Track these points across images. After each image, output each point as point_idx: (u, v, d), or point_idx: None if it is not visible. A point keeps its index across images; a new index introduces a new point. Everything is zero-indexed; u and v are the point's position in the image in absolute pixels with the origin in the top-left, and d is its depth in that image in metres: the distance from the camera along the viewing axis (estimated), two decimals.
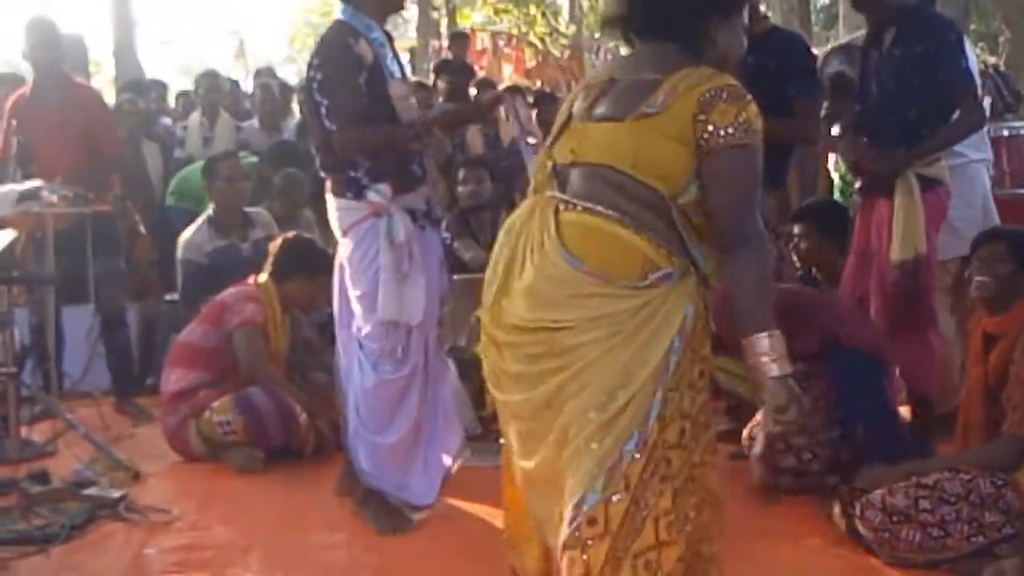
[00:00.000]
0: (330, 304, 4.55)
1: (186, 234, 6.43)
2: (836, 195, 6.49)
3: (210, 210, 6.46)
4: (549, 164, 2.82)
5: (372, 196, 4.11)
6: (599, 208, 2.64)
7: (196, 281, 6.17)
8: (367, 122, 4.10)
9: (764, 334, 2.63)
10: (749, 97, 2.69)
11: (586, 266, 2.61)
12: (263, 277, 5.42)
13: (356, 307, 4.21)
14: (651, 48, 2.80)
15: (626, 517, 2.61)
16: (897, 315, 4.62)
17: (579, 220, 2.66)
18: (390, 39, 4.34)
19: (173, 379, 5.34)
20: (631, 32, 2.86)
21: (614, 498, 2.60)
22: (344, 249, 4.23)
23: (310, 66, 4.23)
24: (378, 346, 4.17)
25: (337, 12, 4.36)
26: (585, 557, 2.61)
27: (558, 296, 2.64)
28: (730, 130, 2.60)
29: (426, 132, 4.23)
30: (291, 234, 5.63)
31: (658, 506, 2.63)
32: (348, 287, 4.23)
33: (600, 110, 2.74)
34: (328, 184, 4.26)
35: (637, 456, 2.62)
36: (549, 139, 2.84)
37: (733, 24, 2.82)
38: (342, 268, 4.28)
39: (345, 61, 4.11)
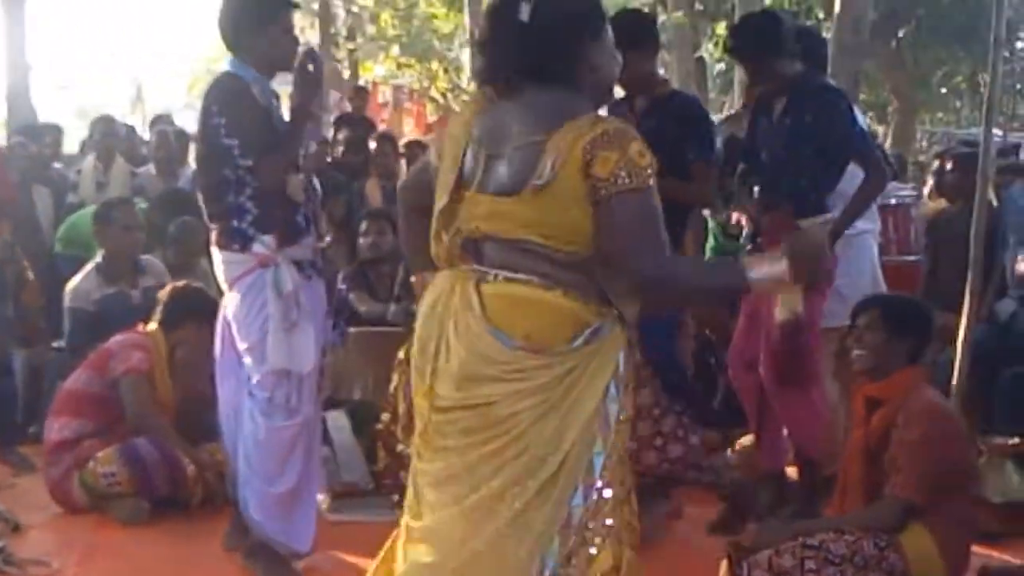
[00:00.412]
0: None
1: (74, 281, 6.28)
2: (708, 253, 6.55)
3: (99, 257, 6.30)
4: (455, 236, 2.73)
5: (257, 248, 4.09)
6: (520, 276, 2.61)
7: (83, 329, 6.04)
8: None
9: (748, 272, 2.64)
10: (630, 133, 2.65)
11: (515, 341, 2.59)
12: (152, 325, 5.33)
13: (246, 359, 4.16)
14: (528, 97, 2.71)
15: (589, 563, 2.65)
16: (782, 374, 4.66)
17: (502, 291, 2.63)
18: (276, 97, 4.35)
19: (56, 427, 5.20)
20: (507, 81, 2.75)
21: (572, 561, 2.64)
22: (231, 302, 4.19)
23: (209, 113, 4.18)
24: (269, 395, 4.13)
25: (225, 64, 4.37)
26: None
27: (489, 373, 2.61)
28: (613, 177, 2.55)
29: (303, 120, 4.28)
30: (180, 283, 5.56)
31: (599, 557, 2.66)
32: (236, 339, 4.18)
33: (494, 180, 2.68)
34: (213, 236, 4.22)
35: (584, 506, 2.64)
36: (443, 200, 2.74)
37: (604, 44, 2.78)
38: (226, 321, 4.23)
39: (249, 102, 4.13)
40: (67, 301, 6.27)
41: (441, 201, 2.75)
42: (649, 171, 2.60)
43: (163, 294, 5.44)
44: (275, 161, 4.11)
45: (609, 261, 2.61)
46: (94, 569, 4.48)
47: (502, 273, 2.62)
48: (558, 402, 2.62)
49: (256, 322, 4.09)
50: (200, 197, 4.31)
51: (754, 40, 4.84)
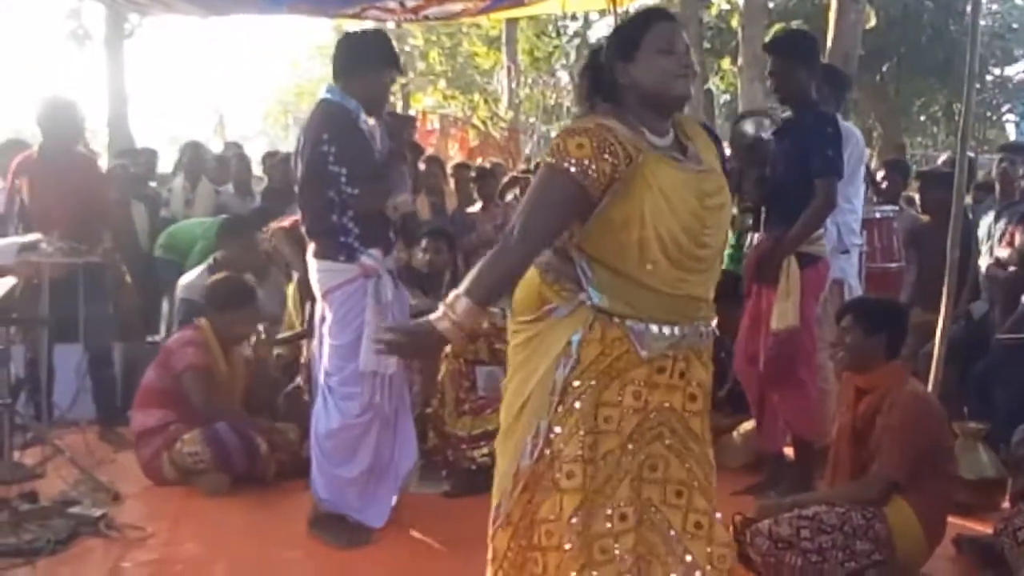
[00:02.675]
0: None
1: (189, 276, 6.39)
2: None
3: (212, 259, 6.39)
4: None
5: (365, 259, 4.05)
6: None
7: (193, 317, 5.98)
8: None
9: (463, 295, 2.57)
10: (577, 128, 2.62)
11: (507, 309, 2.72)
12: (201, 320, 5.33)
13: (333, 355, 4.12)
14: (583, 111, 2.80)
15: (524, 513, 2.63)
16: (778, 374, 4.64)
17: None
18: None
19: (141, 418, 5.25)
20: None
21: (513, 494, 2.65)
22: (329, 305, 4.13)
23: (318, 140, 4.05)
24: (349, 391, 4.10)
25: (323, 92, 4.29)
26: (493, 544, 2.69)
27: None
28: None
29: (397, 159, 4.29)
30: (219, 275, 5.57)
31: (540, 512, 2.62)
32: (326, 337, 4.15)
33: None
34: (313, 249, 4.16)
35: (532, 463, 2.62)
36: None
37: (642, 59, 2.65)
38: (323, 320, 4.19)
39: (357, 134, 4.09)
40: (181, 293, 6.40)
41: None
42: (563, 159, 2.54)
43: (207, 288, 5.45)
44: (377, 192, 4.09)
45: None
46: (182, 534, 4.49)
47: None
48: (522, 364, 2.68)
49: (352, 324, 4.05)
50: (302, 215, 4.25)
51: (792, 46, 4.77)
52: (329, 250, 4.08)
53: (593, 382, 2.61)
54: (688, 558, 2.62)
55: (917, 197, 7.07)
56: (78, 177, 5.96)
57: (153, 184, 8.72)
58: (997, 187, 6.54)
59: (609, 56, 2.70)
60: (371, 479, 4.26)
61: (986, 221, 6.14)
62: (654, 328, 2.62)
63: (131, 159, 8.82)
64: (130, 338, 6.77)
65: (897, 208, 6.91)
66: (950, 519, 3.93)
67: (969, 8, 5.44)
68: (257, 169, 9.96)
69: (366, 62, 4.15)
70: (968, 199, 6.89)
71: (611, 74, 2.68)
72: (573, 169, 2.52)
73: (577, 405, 2.60)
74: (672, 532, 2.64)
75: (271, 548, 4.26)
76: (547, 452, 2.62)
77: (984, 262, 5.97)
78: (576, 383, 2.60)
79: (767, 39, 5.25)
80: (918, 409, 3.81)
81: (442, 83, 26.35)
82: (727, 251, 6.10)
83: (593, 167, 2.52)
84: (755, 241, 4.89)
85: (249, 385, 5.55)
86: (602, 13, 8.87)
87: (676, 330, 2.64)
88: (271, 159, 8.08)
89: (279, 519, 4.61)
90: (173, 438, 5.05)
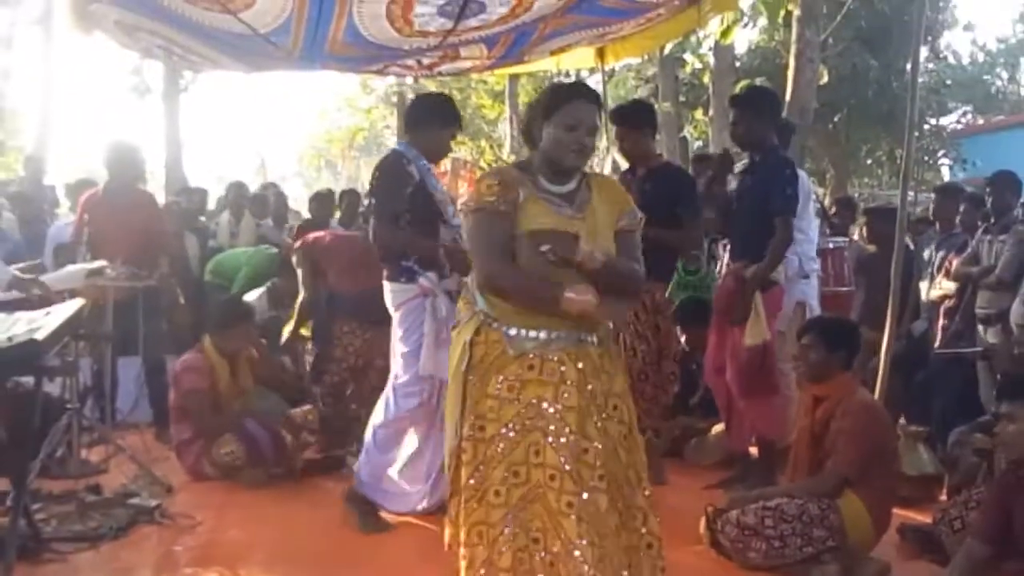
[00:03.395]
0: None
1: (248, 297, 6.35)
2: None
3: (270, 284, 6.56)
4: None
5: (423, 281, 4.09)
6: None
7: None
8: (397, 223, 4.10)
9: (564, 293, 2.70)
10: (484, 175, 2.89)
11: None
12: (206, 339, 5.29)
13: (400, 360, 4.17)
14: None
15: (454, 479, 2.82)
16: (750, 383, 4.61)
17: None
18: (429, 169, 4.31)
19: (175, 432, 5.24)
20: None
21: (450, 467, 2.84)
22: (396, 319, 4.19)
23: (381, 184, 4.20)
24: (410, 390, 4.15)
25: (392, 143, 4.40)
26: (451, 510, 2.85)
27: None
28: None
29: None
30: (222, 298, 5.63)
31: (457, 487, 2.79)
32: (398, 345, 4.19)
33: None
34: (385, 272, 4.21)
35: (456, 444, 2.79)
36: None
37: (550, 127, 2.77)
38: (396, 332, 4.24)
39: (396, 176, 4.13)
40: None
41: None
42: (477, 200, 2.76)
43: (212, 309, 5.45)
44: (384, 236, 4.13)
45: None
46: (226, 521, 4.48)
47: None
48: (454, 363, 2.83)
49: (413, 336, 4.10)
50: (376, 244, 4.26)
51: (754, 101, 4.75)
52: (394, 273, 4.15)
53: (480, 376, 2.74)
54: (562, 535, 2.62)
55: (864, 230, 7.06)
56: (139, 212, 5.99)
57: (203, 218, 8.71)
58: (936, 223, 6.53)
59: (534, 114, 2.85)
60: (407, 469, 4.30)
61: (928, 252, 6.15)
62: (523, 332, 2.73)
63: (185, 197, 8.80)
64: (182, 352, 6.68)
65: (847, 239, 6.92)
66: (895, 510, 3.93)
67: (909, 67, 5.45)
68: (298, 205, 9.95)
69: (432, 120, 4.26)
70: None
71: (532, 128, 2.85)
72: (494, 202, 2.72)
73: (472, 395, 2.75)
74: (554, 506, 2.65)
75: (304, 534, 4.25)
76: (462, 432, 2.76)
77: (925, 286, 5.97)
78: (471, 377, 2.76)
79: (733, 94, 5.21)
80: (867, 415, 3.80)
81: None
82: (675, 278, 5.95)
83: (504, 195, 2.72)
84: (723, 271, 4.89)
85: (260, 377, 5.52)
86: (591, 70, 8.89)
87: (543, 334, 2.73)
88: (318, 198, 8.13)
89: (311, 508, 4.61)
90: (207, 446, 5.03)
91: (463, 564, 2.74)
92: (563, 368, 2.72)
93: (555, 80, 5.27)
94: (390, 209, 4.09)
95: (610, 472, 2.71)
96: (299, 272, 5.96)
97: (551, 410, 2.68)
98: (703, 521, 3.89)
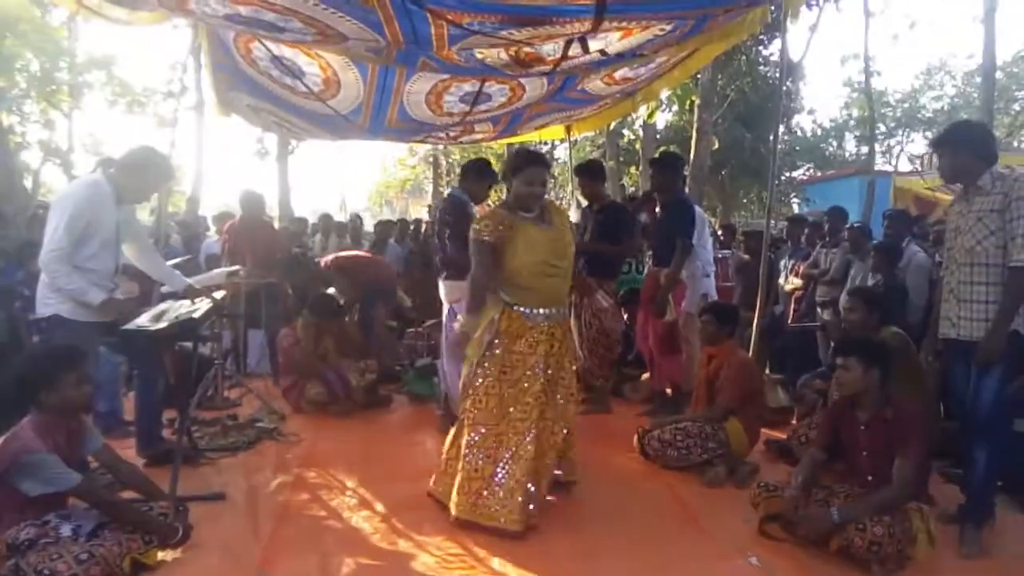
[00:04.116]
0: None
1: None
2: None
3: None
4: None
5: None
6: None
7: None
8: (465, 243, 3.92)
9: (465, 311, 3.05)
10: (482, 217, 3.02)
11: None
12: (299, 320, 5.15)
13: (453, 324, 3.97)
14: None
15: (464, 410, 3.04)
16: (664, 347, 4.62)
17: None
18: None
19: (283, 381, 5.10)
20: None
21: (461, 397, 3.05)
22: (456, 307, 4.02)
23: (444, 211, 4.12)
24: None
25: (448, 189, 4.32)
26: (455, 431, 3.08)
27: None
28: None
29: None
30: (320, 295, 5.34)
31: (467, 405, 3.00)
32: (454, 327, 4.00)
33: None
34: (444, 274, 4.12)
35: (470, 380, 2.99)
36: None
37: (516, 181, 2.97)
38: (451, 310, 4.11)
39: (463, 213, 4.08)
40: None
41: None
42: (476, 234, 2.96)
43: (312, 301, 5.24)
44: (461, 258, 3.87)
45: None
46: (320, 437, 4.37)
47: None
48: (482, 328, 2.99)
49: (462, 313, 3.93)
50: (447, 254, 4.11)
51: (668, 162, 4.70)
52: (455, 276, 4.00)
53: (507, 340, 2.95)
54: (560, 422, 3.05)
55: (742, 246, 7.06)
56: (262, 233, 5.96)
57: (304, 238, 8.68)
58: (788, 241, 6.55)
59: (507, 171, 3.05)
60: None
61: (783, 260, 6.17)
62: (534, 310, 2.97)
63: (292, 223, 8.75)
64: (289, 326, 6.69)
65: (731, 252, 6.91)
66: (762, 430, 3.91)
67: (772, 138, 5.45)
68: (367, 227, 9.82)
69: (480, 176, 4.25)
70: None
71: (506, 179, 3.05)
72: (485, 237, 2.95)
73: (497, 352, 2.94)
74: (560, 402, 3.04)
75: (371, 445, 4.21)
76: (477, 372, 2.95)
77: (782, 281, 5.98)
78: (495, 341, 2.94)
79: (654, 157, 5.20)
80: (744, 367, 3.79)
81: None
82: (627, 276, 5.94)
83: (493, 233, 2.94)
84: (647, 269, 4.90)
85: (344, 340, 5.31)
86: (562, 140, 8.85)
87: (543, 311, 2.98)
88: (380, 224, 8.08)
89: (376, 428, 4.57)
90: (303, 389, 4.95)
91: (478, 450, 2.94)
92: (554, 332, 3.02)
93: (523, 148, 5.27)
94: (458, 232, 3.98)
95: (561, 380, 3.07)
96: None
97: (552, 360, 3.00)
98: (636, 437, 3.90)
